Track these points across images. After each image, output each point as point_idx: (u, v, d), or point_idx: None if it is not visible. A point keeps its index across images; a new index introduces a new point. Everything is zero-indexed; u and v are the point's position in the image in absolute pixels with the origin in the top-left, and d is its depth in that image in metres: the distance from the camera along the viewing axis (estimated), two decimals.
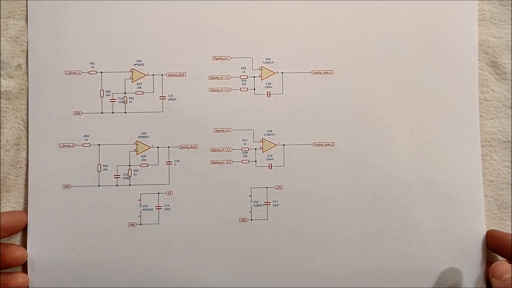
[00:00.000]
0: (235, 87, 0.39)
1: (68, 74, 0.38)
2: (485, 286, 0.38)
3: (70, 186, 0.38)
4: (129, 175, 0.38)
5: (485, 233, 0.38)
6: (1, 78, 0.38)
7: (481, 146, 0.39)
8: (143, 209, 0.38)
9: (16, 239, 0.38)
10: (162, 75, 0.39)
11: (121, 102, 0.38)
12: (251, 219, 0.38)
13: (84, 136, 0.38)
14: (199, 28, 0.39)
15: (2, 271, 0.33)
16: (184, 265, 0.38)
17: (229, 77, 0.39)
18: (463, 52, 0.39)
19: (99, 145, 0.38)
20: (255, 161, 0.39)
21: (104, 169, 0.38)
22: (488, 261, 0.38)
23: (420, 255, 0.38)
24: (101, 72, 0.38)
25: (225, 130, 0.39)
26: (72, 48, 0.38)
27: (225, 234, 0.38)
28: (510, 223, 0.39)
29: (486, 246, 0.38)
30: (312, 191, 0.38)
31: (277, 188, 0.39)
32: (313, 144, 0.39)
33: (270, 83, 0.39)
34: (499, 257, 0.38)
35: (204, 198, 0.38)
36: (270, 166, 0.39)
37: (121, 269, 0.38)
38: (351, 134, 0.39)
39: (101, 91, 0.38)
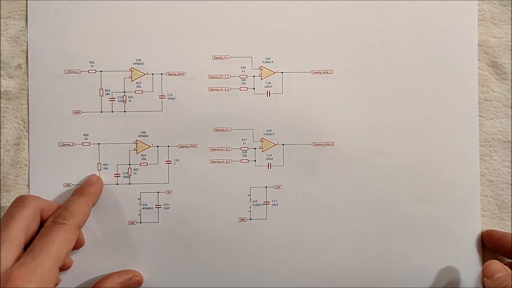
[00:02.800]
0: (234, 87, 0.39)
1: (67, 73, 0.38)
2: (482, 286, 0.38)
3: (71, 185, 0.38)
4: (129, 174, 0.38)
5: (481, 233, 0.38)
6: (1, 78, 0.38)
7: (481, 146, 0.39)
8: (143, 208, 0.38)
9: None
10: (161, 74, 0.39)
11: (120, 101, 0.39)
12: (250, 219, 0.38)
13: (84, 135, 0.38)
14: (199, 28, 0.39)
15: None
16: (183, 264, 0.38)
17: (229, 77, 0.39)
18: (463, 52, 0.39)
19: (99, 144, 0.38)
20: (255, 161, 0.39)
21: (104, 168, 0.38)
22: (485, 261, 0.38)
23: (417, 254, 0.38)
24: (101, 71, 0.39)
25: (224, 129, 0.39)
26: (71, 48, 0.38)
27: (224, 233, 0.38)
28: (510, 223, 0.39)
29: (483, 246, 0.38)
30: (311, 191, 0.38)
31: (276, 188, 0.39)
32: (313, 144, 0.39)
33: (269, 83, 0.39)
34: (499, 257, 0.38)
35: (204, 197, 0.38)
36: (269, 166, 0.39)
37: (121, 267, 0.38)
38: (350, 134, 0.39)
39: (101, 90, 0.39)
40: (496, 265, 0.34)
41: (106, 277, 0.37)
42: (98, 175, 0.38)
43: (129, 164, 0.38)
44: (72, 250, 0.37)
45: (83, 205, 0.35)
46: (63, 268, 0.37)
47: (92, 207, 0.37)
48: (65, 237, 0.32)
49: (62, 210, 0.34)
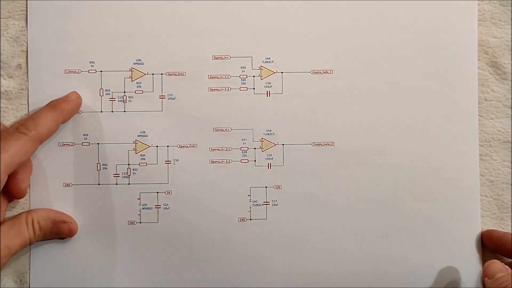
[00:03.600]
0: (234, 87, 0.39)
1: (67, 73, 0.38)
2: (481, 286, 0.38)
3: (70, 185, 0.38)
4: (128, 174, 0.38)
5: (481, 233, 0.38)
6: (1, 78, 0.38)
7: (481, 146, 0.39)
8: (143, 208, 0.38)
9: None
10: (161, 74, 0.39)
11: (120, 101, 0.39)
12: (250, 219, 0.38)
13: (84, 135, 0.38)
14: (199, 28, 0.39)
15: None
16: (183, 264, 0.38)
17: (229, 77, 0.39)
18: (463, 52, 0.39)
19: (98, 144, 0.38)
20: (255, 161, 0.39)
21: (104, 168, 0.38)
22: (485, 261, 0.38)
23: (417, 254, 0.38)
24: (101, 71, 0.39)
25: (224, 129, 0.39)
26: (71, 48, 0.38)
27: (224, 234, 0.38)
28: (510, 223, 0.39)
29: (483, 246, 0.38)
30: (311, 191, 0.38)
31: (276, 188, 0.39)
32: (313, 144, 0.39)
33: (269, 83, 0.39)
34: (499, 257, 0.38)
35: (203, 198, 0.38)
36: (269, 166, 0.39)
37: (121, 267, 0.38)
38: (350, 134, 0.39)
39: (101, 90, 0.39)
40: (497, 265, 0.34)
41: (44, 208, 0.37)
42: (97, 175, 0.38)
43: (129, 164, 0.38)
44: (13, 200, 0.37)
45: (51, 120, 0.35)
46: (17, 195, 0.36)
47: (62, 123, 0.37)
48: (21, 147, 0.32)
49: (29, 119, 0.34)
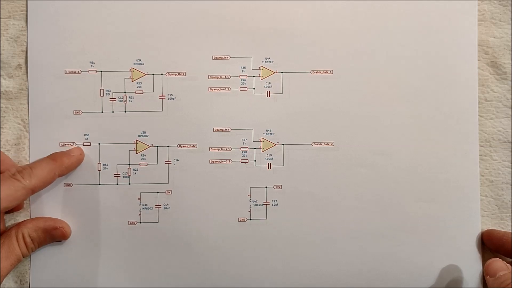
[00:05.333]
0: (234, 87, 0.39)
1: (68, 73, 0.38)
2: (481, 286, 0.38)
3: (71, 185, 0.38)
4: (129, 174, 0.38)
5: (481, 233, 0.38)
6: (1, 78, 0.39)
7: (481, 146, 0.39)
8: (143, 208, 0.38)
9: None
10: (161, 74, 0.39)
11: (121, 101, 0.39)
12: (250, 219, 0.38)
13: (84, 135, 0.38)
14: (199, 28, 0.39)
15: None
16: (183, 264, 0.38)
17: (229, 77, 0.39)
18: (463, 52, 0.39)
19: (99, 144, 0.38)
20: (255, 161, 0.39)
21: (104, 168, 0.38)
22: (485, 261, 0.38)
23: (417, 254, 0.38)
24: (101, 72, 0.39)
25: (224, 129, 0.39)
26: (71, 48, 0.38)
27: (224, 234, 0.38)
28: (510, 223, 0.39)
29: (483, 245, 0.38)
30: (311, 191, 0.38)
31: (276, 188, 0.39)
32: (313, 144, 0.39)
33: (269, 83, 0.39)
34: (499, 256, 0.38)
35: (203, 198, 0.38)
36: (269, 166, 0.39)
37: (121, 267, 0.38)
38: (350, 134, 0.39)
39: (101, 90, 0.39)
40: (498, 263, 0.34)
41: (32, 219, 0.37)
42: (98, 175, 0.38)
43: (129, 164, 0.39)
44: (10, 212, 0.38)
45: (47, 172, 0.35)
46: (14, 210, 0.38)
47: (59, 176, 0.37)
48: (12, 193, 0.33)
49: (27, 167, 0.35)
